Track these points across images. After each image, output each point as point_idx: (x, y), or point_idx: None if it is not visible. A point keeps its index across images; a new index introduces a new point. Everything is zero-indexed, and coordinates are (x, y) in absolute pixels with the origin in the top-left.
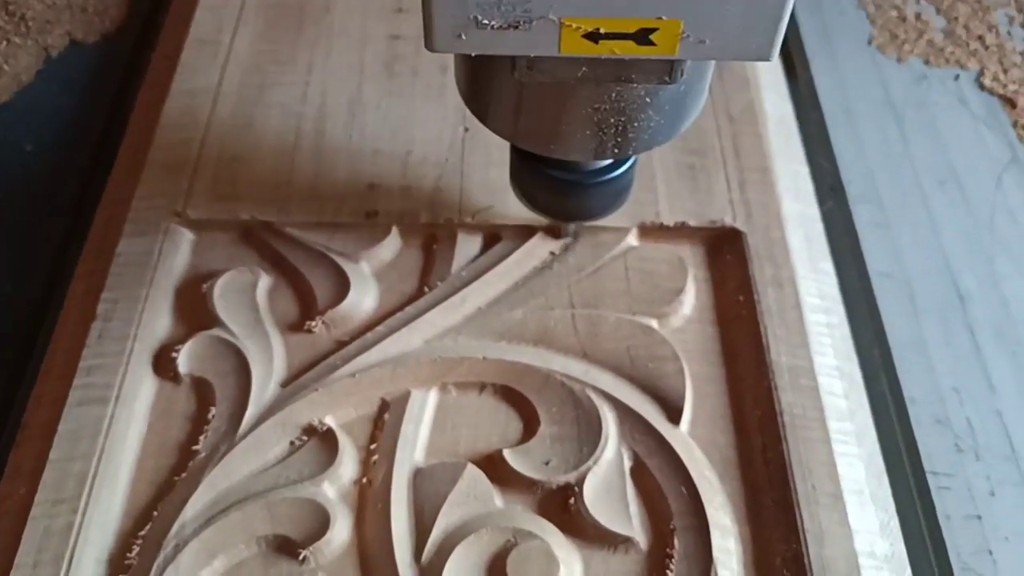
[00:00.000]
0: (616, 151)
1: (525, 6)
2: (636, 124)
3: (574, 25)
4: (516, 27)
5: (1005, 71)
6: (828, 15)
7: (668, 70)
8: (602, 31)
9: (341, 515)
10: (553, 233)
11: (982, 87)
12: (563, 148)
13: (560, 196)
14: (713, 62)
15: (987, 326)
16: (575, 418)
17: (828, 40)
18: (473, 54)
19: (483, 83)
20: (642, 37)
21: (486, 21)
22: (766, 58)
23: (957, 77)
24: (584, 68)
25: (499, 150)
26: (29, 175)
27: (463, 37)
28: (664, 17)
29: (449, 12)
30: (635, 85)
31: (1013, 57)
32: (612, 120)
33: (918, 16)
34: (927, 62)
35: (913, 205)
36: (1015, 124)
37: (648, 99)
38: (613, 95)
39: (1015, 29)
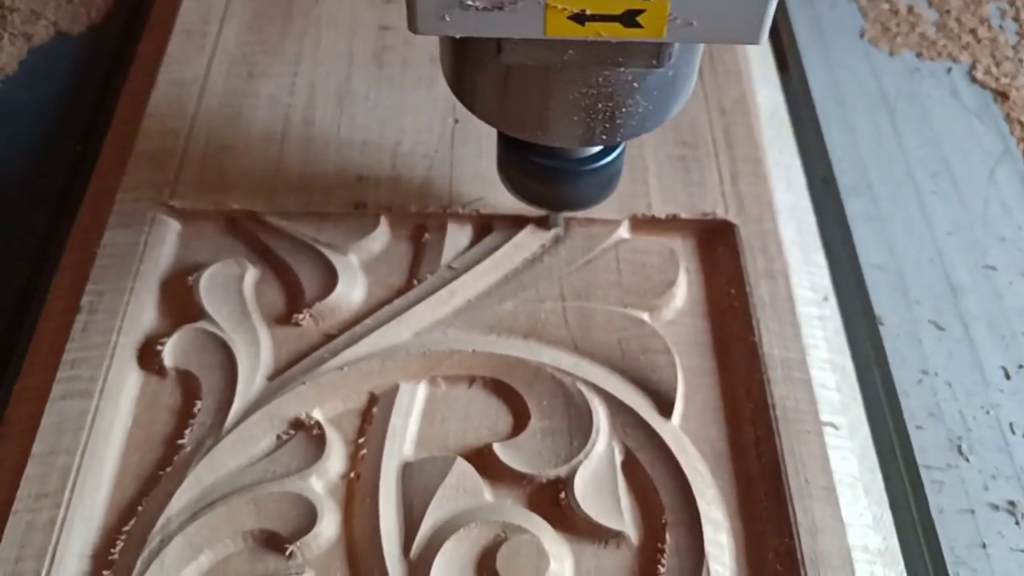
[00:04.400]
0: (604, 137)
1: None
2: (624, 110)
3: (560, 6)
4: (501, 8)
5: (997, 64)
6: (820, 8)
7: (656, 54)
8: (588, 12)
9: (329, 510)
10: (544, 225)
11: (974, 80)
12: (550, 134)
13: (549, 185)
14: (702, 46)
15: (980, 319)
16: (566, 411)
17: (820, 33)
18: (457, 36)
19: (469, 68)
20: (629, 19)
21: (470, 2)
22: (754, 41)
23: (949, 70)
24: (570, 51)
25: (489, 141)
26: (13, 167)
27: (447, 19)
28: None
29: None
30: (622, 69)
31: (1005, 50)
32: (600, 105)
33: (910, 9)
34: (919, 55)
35: (905, 197)
36: (1007, 117)
37: (636, 84)
38: (600, 80)
39: (1007, 22)
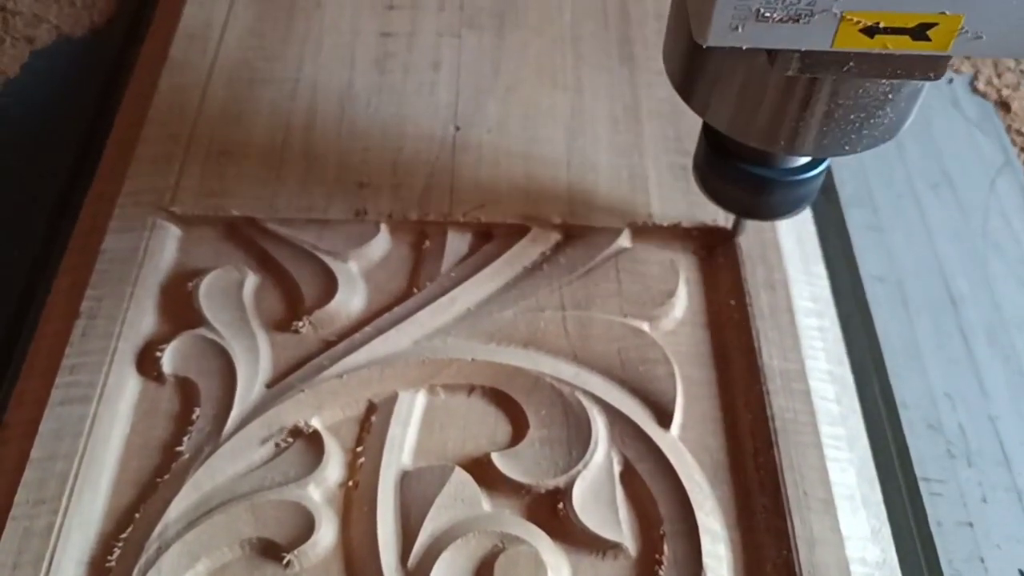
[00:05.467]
0: (847, 148)
1: None
2: (873, 120)
3: (854, 19)
4: (796, 20)
5: (999, 75)
6: None
7: (935, 66)
8: (881, 25)
9: (326, 518)
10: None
11: (975, 91)
12: (798, 146)
13: (756, 193)
14: None
15: (980, 330)
16: (564, 421)
17: None
18: (744, 47)
19: (721, 76)
20: (919, 32)
21: (768, 13)
22: None
23: (951, 80)
24: (851, 64)
25: (490, 149)
26: (14, 170)
27: (739, 30)
28: (948, 12)
29: (732, 4)
30: (899, 82)
31: (1007, 61)
32: (852, 116)
33: None
34: None
35: (906, 208)
36: (1008, 128)
37: (890, 95)
38: (860, 91)
39: None
